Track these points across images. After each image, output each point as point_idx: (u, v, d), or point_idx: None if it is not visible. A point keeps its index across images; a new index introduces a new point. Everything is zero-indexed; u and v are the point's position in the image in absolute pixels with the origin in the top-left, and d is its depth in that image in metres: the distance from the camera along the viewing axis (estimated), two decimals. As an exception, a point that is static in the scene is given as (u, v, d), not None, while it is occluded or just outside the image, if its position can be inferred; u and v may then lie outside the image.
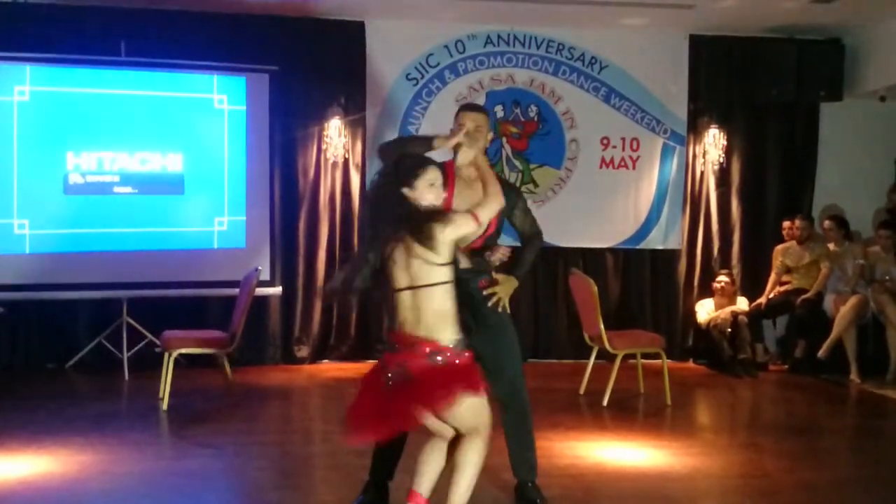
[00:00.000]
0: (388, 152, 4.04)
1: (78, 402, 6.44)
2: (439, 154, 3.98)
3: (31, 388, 6.94)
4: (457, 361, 3.43)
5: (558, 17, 8.06)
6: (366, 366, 7.76)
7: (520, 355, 4.30)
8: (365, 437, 3.62)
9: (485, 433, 3.53)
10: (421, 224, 3.41)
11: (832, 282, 8.20)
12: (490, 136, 4.30)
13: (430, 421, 3.47)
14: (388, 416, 3.42)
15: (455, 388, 3.40)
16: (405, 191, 3.48)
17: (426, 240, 3.39)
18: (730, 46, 8.56)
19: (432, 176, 3.53)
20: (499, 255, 4.18)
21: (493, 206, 3.63)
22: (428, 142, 4.07)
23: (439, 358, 3.42)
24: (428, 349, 3.41)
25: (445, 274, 3.46)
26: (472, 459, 3.53)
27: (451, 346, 3.43)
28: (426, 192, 3.51)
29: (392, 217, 3.47)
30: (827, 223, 8.36)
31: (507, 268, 4.34)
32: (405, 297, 3.47)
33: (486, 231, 4.12)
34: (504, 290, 4.28)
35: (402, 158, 3.64)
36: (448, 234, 3.44)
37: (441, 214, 3.48)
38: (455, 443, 3.58)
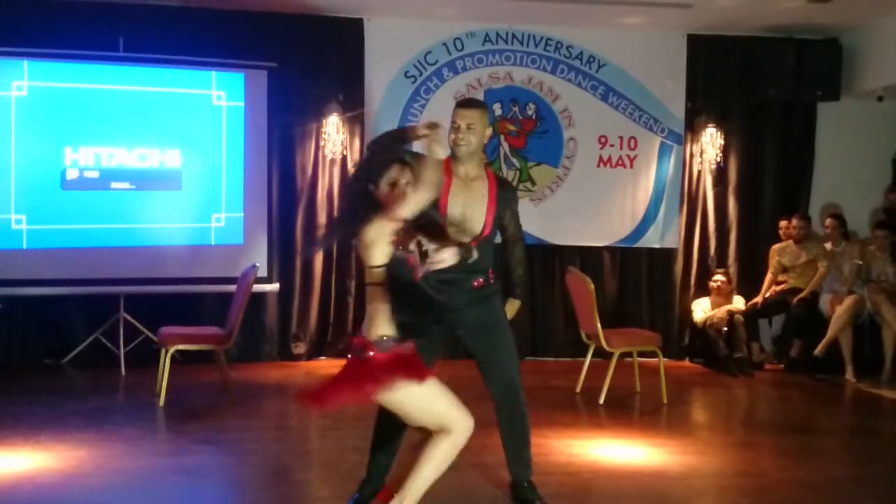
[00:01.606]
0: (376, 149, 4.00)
1: (75, 398, 6.44)
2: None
3: (27, 383, 6.94)
4: (371, 354, 3.46)
5: (557, 16, 8.06)
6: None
7: (515, 354, 4.30)
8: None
9: (457, 438, 3.55)
10: (356, 224, 3.45)
11: (829, 281, 8.22)
12: (489, 132, 4.23)
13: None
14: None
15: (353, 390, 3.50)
16: (370, 188, 3.48)
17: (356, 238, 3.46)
18: (728, 46, 8.57)
19: (394, 174, 3.49)
20: (448, 255, 3.76)
21: (418, 199, 3.50)
22: (404, 133, 4.06)
23: (362, 355, 3.48)
24: (357, 343, 3.51)
25: (374, 275, 3.46)
26: (434, 456, 3.53)
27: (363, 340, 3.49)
28: (388, 190, 3.47)
29: (348, 214, 3.54)
30: (828, 221, 8.37)
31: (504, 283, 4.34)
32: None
33: (481, 233, 4.12)
34: (508, 313, 4.37)
35: (372, 156, 3.62)
36: (369, 234, 3.43)
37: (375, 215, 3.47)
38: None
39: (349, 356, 3.57)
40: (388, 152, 3.67)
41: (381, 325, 3.46)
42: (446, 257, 3.51)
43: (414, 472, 3.55)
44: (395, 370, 3.45)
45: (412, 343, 3.53)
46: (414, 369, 3.50)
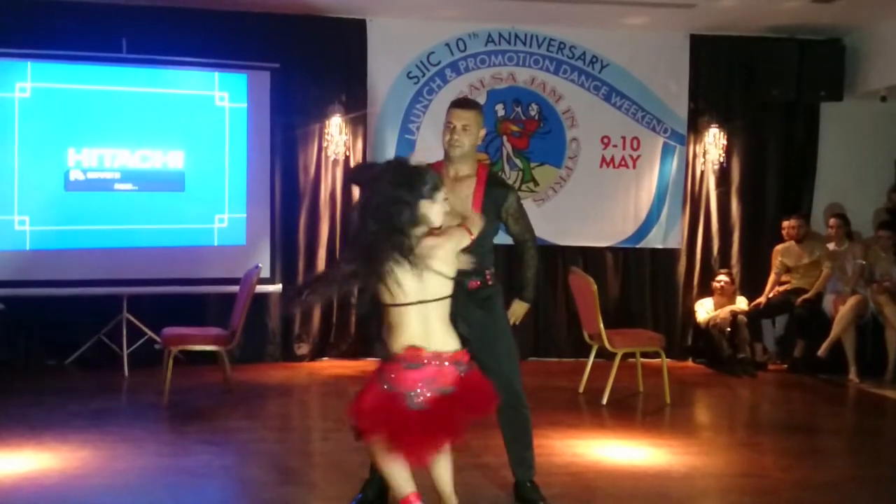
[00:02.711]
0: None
1: (78, 399, 6.43)
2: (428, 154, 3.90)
3: (30, 384, 6.94)
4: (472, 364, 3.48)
5: (559, 16, 8.06)
6: (366, 363, 7.81)
7: (516, 355, 4.29)
8: (421, 458, 3.46)
9: None
10: (416, 241, 3.37)
11: (832, 282, 8.21)
12: (483, 132, 4.20)
13: None
14: (439, 432, 3.38)
15: (490, 387, 3.49)
16: (423, 203, 3.38)
17: (422, 257, 3.34)
18: (730, 46, 8.57)
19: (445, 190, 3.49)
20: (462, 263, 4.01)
21: (477, 222, 3.60)
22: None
23: (465, 365, 3.45)
24: (455, 359, 3.42)
25: (451, 287, 3.47)
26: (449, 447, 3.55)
27: (461, 352, 3.45)
28: (440, 206, 3.44)
29: (397, 234, 3.33)
30: (832, 221, 8.36)
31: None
32: (413, 312, 3.39)
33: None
34: (516, 315, 4.37)
35: (412, 170, 3.46)
36: (454, 248, 3.44)
37: (437, 230, 3.43)
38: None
39: (444, 375, 3.40)
40: (425, 168, 3.55)
41: (454, 336, 3.48)
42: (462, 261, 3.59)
43: (449, 481, 3.58)
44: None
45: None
46: None
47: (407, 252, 3.31)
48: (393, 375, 3.39)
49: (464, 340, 3.55)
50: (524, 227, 4.31)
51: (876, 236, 8.26)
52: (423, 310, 3.39)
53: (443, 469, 3.56)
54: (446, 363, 3.39)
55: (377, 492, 4.15)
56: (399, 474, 3.51)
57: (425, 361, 3.37)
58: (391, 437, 3.36)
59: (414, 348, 3.38)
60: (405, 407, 3.36)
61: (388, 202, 3.33)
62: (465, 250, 3.55)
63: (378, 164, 3.61)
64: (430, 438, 3.38)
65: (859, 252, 8.14)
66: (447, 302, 3.46)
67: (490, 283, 4.19)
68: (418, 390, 3.37)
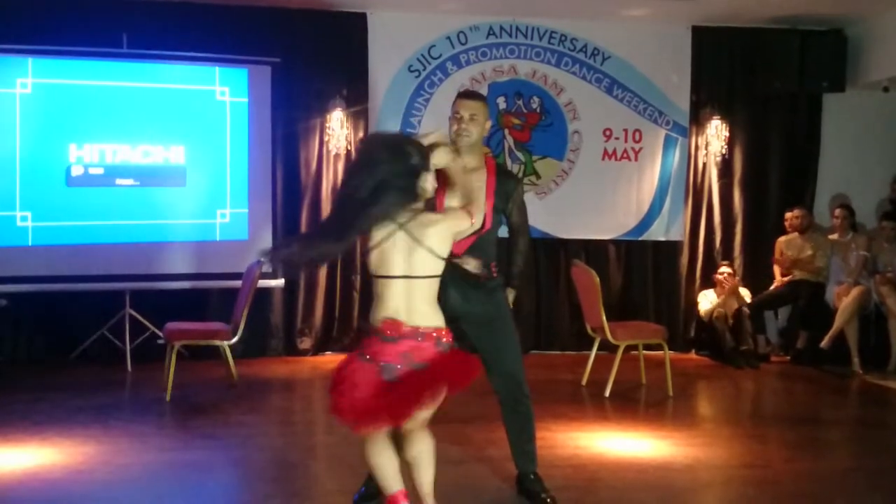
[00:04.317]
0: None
1: (81, 394, 6.45)
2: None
3: (34, 380, 6.95)
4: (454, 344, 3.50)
5: (561, 9, 8.05)
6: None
7: (519, 347, 4.31)
8: (377, 425, 3.49)
9: None
10: (414, 213, 3.43)
11: (835, 272, 8.20)
12: (488, 124, 4.25)
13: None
14: (401, 405, 3.38)
15: (470, 368, 3.49)
16: (423, 174, 3.44)
17: (424, 227, 3.41)
18: (732, 37, 8.55)
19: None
20: (472, 266, 4.05)
21: (481, 205, 3.68)
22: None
23: (445, 342, 3.46)
24: (435, 335, 3.43)
25: (441, 268, 3.49)
26: (433, 448, 3.56)
27: (443, 329, 3.48)
28: (431, 176, 3.50)
29: (398, 199, 3.38)
30: (837, 212, 8.35)
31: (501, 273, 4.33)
32: (398, 285, 3.43)
33: (482, 226, 4.10)
34: (508, 302, 4.36)
35: (410, 141, 3.51)
36: (451, 228, 3.45)
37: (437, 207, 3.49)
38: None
39: (421, 349, 3.44)
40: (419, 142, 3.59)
41: (440, 314, 3.52)
42: (472, 266, 3.73)
43: (429, 470, 3.56)
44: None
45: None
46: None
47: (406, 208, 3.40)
48: (372, 348, 3.44)
49: (463, 336, 3.56)
50: (524, 218, 4.38)
51: (879, 227, 8.25)
52: (408, 285, 3.42)
53: (423, 467, 3.55)
54: (425, 338, 3.41)
55: (379, 487, 4.15)
56: (387, 472, 3.53)
57: (402, 335, 3.40)
58: (364, 407, 3.37)
59: (393, 321, 3.41)
60: (380, 379, 3.39)
61: (384, 162, 3.36)
62: (475, 245, 3.60)
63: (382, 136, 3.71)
64: (399, 407, 3.38)
65: (863, 243, 8.13)
66: (435, 281, 3.48)
67: (494, 274, 4.21)
68: (394, 364, 3.40)
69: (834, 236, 8.34)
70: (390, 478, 3.53)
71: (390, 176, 3.34)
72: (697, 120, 8.62)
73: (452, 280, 3.92)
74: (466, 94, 4.30)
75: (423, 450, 3.53)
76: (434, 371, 3.39)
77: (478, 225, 4.04)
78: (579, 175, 8.48)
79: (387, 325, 3.43)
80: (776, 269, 8.45)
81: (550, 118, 8.47)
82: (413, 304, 3.43)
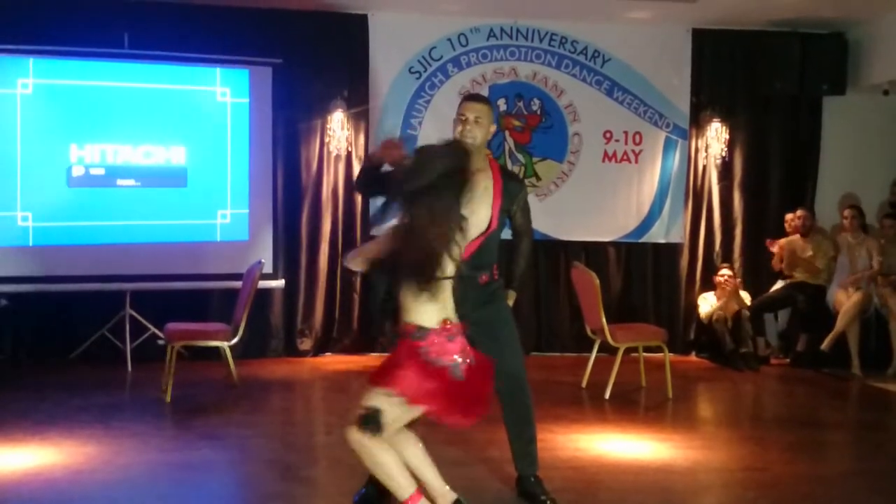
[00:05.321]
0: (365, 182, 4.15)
1: (81, 394, 6.45)
2: None
3: (34, 379, 6.96)
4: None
5: (561, 11, 8.06)
6: (369, 358, 7.83)
7: (520, 349, 4.32)
8: (468, 421, 3.57)
9: None
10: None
11: (838, 274, 8.19)
12: (493, 128, 4.27)
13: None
14: (480, 399, 3.53)
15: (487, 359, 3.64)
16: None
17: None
18: (733, 40, 8.55)
19: None
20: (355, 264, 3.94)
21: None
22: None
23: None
24: (463, 331, 3.56)
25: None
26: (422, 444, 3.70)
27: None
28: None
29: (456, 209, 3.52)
30: (847, 212, 8.33)
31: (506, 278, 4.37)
32: (448, 286, 3.53)
33: (487, 228, 4.11)
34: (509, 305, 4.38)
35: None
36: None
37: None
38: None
39: (469, 347, 3.56)
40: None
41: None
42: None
43: (432, 469, 3.64)
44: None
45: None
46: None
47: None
48: (434, 349, 3.48)
49: (471, 340, 3.59)
50: (528, 220, 4.40)
51: (880, 226, 8.25)
52: (448, 285, 3.54)
53: (426, 465, 3.63)
54: (461, 334, 3.54)
55: (381, 487, 4.15)
56: (398, 477, 3.56)
57: (456, 333, 3.51)
58: (445, 408, 3.46)
59: (448, 321, 3.51)
60: (453, 378, 3.46)
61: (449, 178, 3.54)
62: (481, 246, 3.64)
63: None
64: (476, 406, 3.50)
65: (875, 246, 8.07)
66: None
67: (496, 277, 4.24)
68: (458, 361, 3.48)
69: (846, 235, 8.29)
70: (404, 480, 3.56)
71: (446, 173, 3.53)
72: (698, 122, 8.63)
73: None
74: (472, 97, 4.32)
75: (418, 449, 3.63)
76: (484, 363, 3.56)
77: (482, 227, 4.05)
78: (579, 177, 8.49)
79: (446, 326, 3.51)
80: (774, 263, 8.40)
81: (551, 120, 8.48)
82: (449, 303, 3.54)
